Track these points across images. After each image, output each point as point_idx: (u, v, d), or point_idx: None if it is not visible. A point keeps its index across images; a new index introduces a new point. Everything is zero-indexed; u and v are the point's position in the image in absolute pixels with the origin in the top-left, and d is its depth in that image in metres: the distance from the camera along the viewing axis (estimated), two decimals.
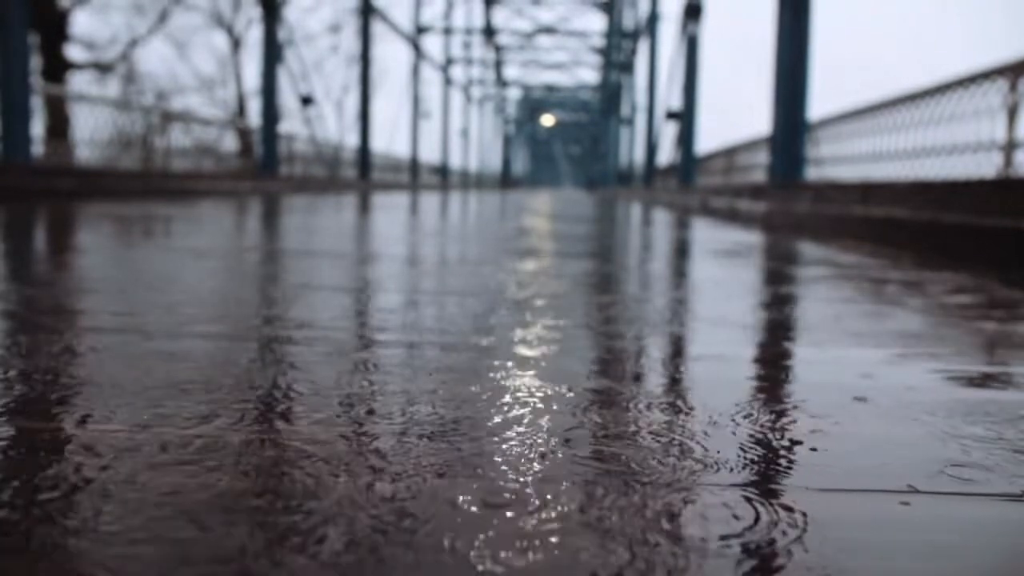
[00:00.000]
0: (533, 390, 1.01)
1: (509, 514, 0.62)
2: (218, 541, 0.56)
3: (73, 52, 17.92)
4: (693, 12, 11.43)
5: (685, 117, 11.95)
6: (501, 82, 44.24)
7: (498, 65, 40.48)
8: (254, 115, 18.48)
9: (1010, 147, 4.10)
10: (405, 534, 0.58)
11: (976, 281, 2.43)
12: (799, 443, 0.83)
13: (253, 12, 21.07)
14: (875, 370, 1.20)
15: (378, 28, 19.62)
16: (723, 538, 0.59)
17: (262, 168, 12.87)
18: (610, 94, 30.98)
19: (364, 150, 17.55)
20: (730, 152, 10.50)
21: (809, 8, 6.04)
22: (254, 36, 21.24)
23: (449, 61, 29.45)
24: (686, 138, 11.97)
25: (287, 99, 13.93)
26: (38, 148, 7.94)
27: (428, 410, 0.90)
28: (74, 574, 0.52)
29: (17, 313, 1.50)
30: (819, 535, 0.61)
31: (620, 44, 26.56)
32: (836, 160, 6.62)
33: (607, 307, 1.77)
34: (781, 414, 0.93)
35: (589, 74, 43.06)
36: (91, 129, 8.88)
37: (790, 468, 0.76)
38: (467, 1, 30.27)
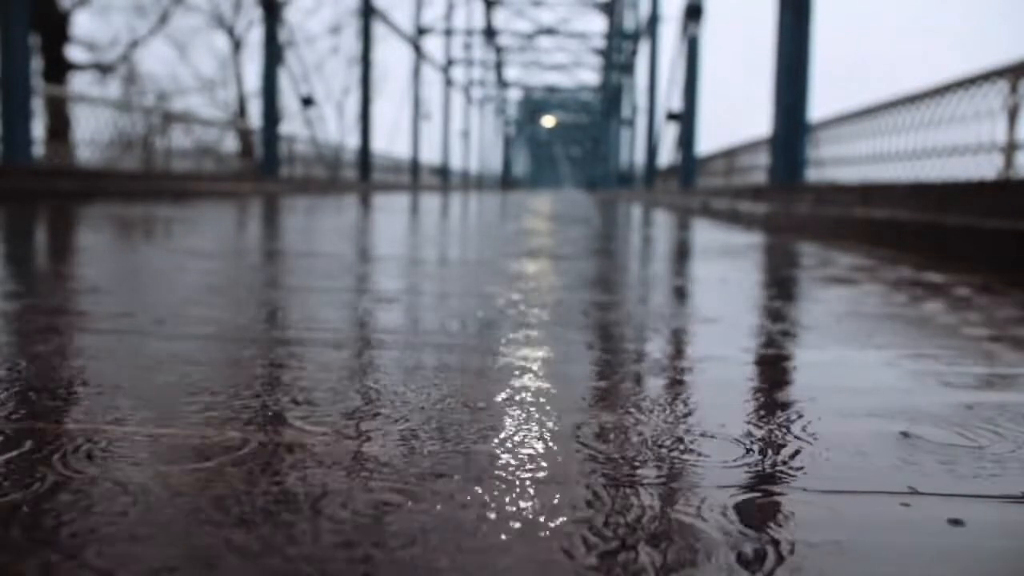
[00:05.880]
0: (540, 381, 1.01)
1: None
2: None
3: (74, 53, 17.91)
4: (694, 13, 11.44)
5: (686, 118, 11.95)
6: (502, 83, 44.25)
7: (499, 66, 40.49)
8: (255, 116, 18.48)
9: (1010, 149, 4.10)
10: None
11: (969, 281, 2.43)
12: (798, 443, 0.83)
13: (254, 13, 21.07)
14: (875, 371, 1.20)
15: (379, 29, 19.60)
16: (723, 538, 0.59)
17: (263, 169, 12.87)
18: (611, 95, 30.99)
19: (365, 151, 17.56)
20: (731, 153, 10.50)
21: (810, 9, 6.04)
22: (255, 37, 21.22)
23: (450, 62, 29.46)
24: (687, 139, 11.97)
25: (288, 100, 13.95)
26: (39, 149, 7.94)
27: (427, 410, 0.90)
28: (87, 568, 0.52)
29: (21, 315, 1.50)
30: (818, 537, 0.61)
31: (621, 45, 26.58)
32: (837, 161, 6.62)
33: (608, 308, 1.77)
34: (780, 415, 0.93)
35: (590, 75, 43.08)
36: (92, 130, 8.88)
37: (789, 469, 0.76)
38: (468, 2, 30.29)
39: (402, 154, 23.20)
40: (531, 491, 0.68)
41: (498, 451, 0.78)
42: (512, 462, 0.75)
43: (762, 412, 0.94)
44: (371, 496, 0.65)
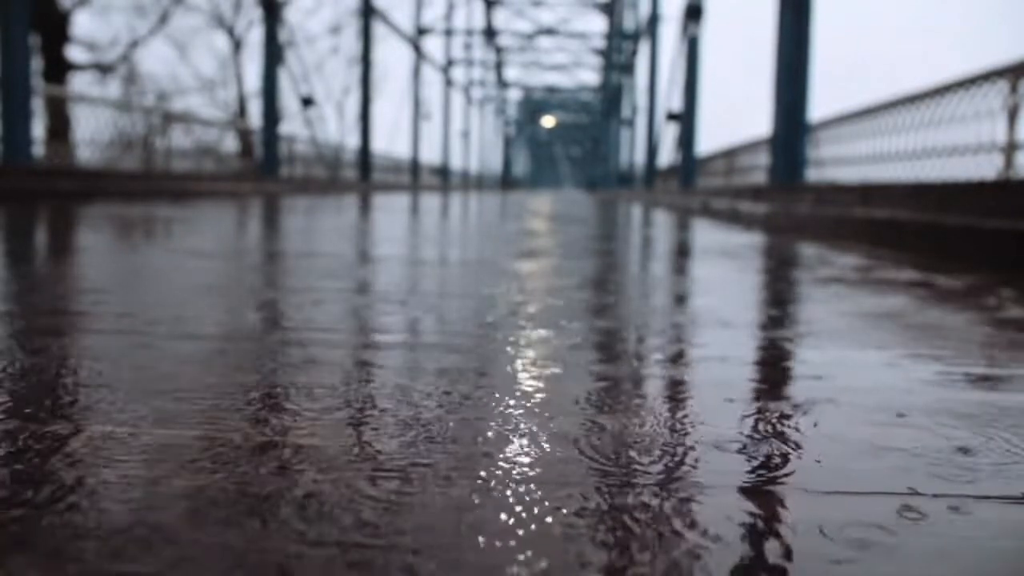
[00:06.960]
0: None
1: None
2: None
3: (74, 53, 17.91)
4: (694, 13, 11.44)
5: (686, 118, 11.96)
6: (502, 83, 44.27)
7: (499, 66, 40.51)
8: (255, 116, 18.49)
9: (1010, 149, 4.11)
10: None
11: (969, 281, 2.43)
12: (799, 444, 0.83)
13: (254, 13, 21.07)
14: (875, 371, 1.20)
15: (379, 30, 19.63)
16: (723, 539, 0.59)
17: (263, 169, 12.88)
18: (611, 95, 31.00)
19: (365, 151, 17.57)
20: (731, 153, 10.51)
21: (810, 9, 6.05)
22: (255, 37, 21.22)
23: (450, 62, 29.47)
24: (687, 139, 11.97)
25: (288, 100, 13.95)
26: (39, 149, 7.95)
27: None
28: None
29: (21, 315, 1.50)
30: (819, 537, 0.61)
31: (621, 45, 26.59)
32: (837, 161, 6.63)
33: (608, 308, 1.77)
34: (779, 415, 0.93)
35: (590, 75, 43.13)
36: (92, 130, 8.89)
37: (789, 469, 0.76)
38: (468, 2, 30.31)
39: (402, 154, 23.23)
40: (533, 492, 0.68)
41: (501, 452, 0.78)
42: (514, 463, 0.75)
43: (762, 412, 0.95)
44: (374, 496, 0.65)
